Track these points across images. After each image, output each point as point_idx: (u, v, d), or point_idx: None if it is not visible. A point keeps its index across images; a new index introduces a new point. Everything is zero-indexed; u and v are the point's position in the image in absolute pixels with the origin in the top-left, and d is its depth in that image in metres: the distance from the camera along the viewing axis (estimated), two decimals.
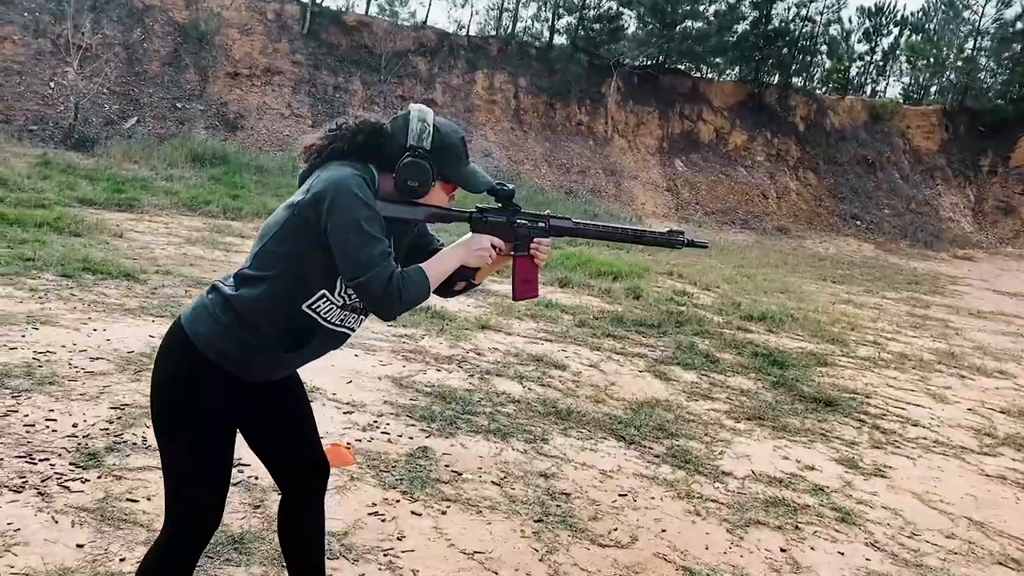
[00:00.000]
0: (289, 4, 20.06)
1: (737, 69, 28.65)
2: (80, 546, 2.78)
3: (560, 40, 24.92)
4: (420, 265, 2.02)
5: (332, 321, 2.07)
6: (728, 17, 26.80)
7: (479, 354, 6.05)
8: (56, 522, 2.90)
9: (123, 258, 7.47)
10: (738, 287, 11.90)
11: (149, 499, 3.16)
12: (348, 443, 4.00)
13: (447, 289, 2.30)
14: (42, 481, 3.18)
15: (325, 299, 2.02)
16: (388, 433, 4.23)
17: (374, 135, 2.03)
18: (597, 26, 25.37)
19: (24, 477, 3.17)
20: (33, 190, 10.03)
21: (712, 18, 26.63)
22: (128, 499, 3.15)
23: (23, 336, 4.82)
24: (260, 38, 19.05)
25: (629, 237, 2.28)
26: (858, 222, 24.91)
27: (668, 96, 25.24)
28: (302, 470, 2.35)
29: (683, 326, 8.09)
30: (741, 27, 27.52)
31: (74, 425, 3.71)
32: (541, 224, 2.20)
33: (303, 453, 2.34)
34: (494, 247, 2.14)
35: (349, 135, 2.02)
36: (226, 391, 2.04)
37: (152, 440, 3.66)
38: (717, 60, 27.89)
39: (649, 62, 26.02)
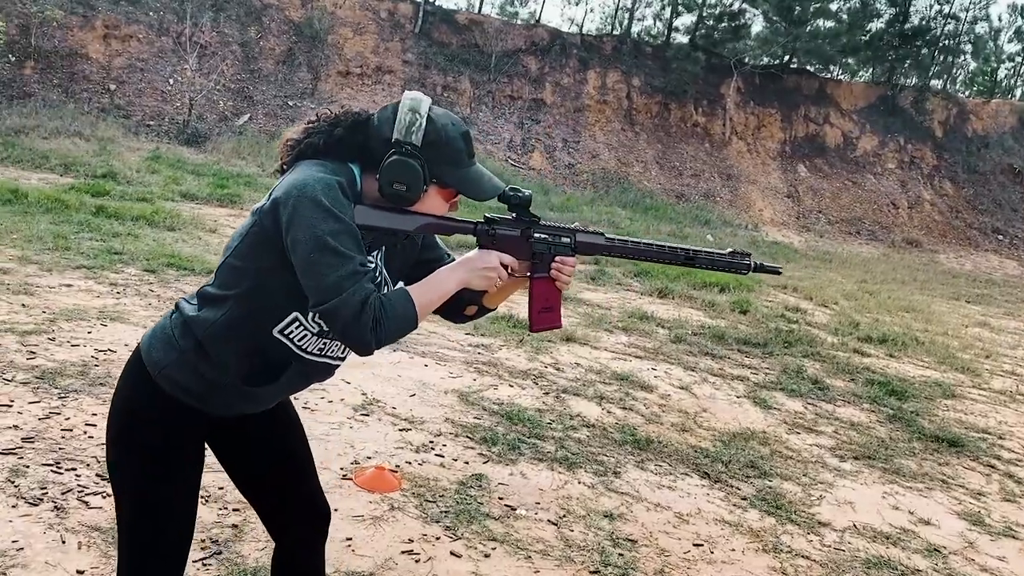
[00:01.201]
0: (402, 3, 20.16)
1: (869, 70, 27.02)
2: (80, 572, 2.55)
3: (678, 39, 24.12)
4: (406, 288, 1.64)
5: (309, 350, 1.71)
6: (861, 14, 25.28)
7: (558, 369, 5.63)
8: (63, 542, 2.69)
9: (211, 254, 7.45)
10: (858, 304, 10.98)
11: None
12: (396, 466, 3.67)
13: (456, 313, 1.92)
14: (62, 494, 2.98)
15: (298, 324, 1.67)
16: (442, 456, 3.88)
17: (356, 128, 1.67)
18: (719, 24, 24.40)
19: (45, 488, 2.99)
20: (140, 184, 10.30)
21: (844, 16, 25.18)
22: None
23: (89, 333, 4.74)
24: (372, 37, 19.22)
25: (679, 259, 1.83)
26: (1000, 236, 22.96)
27: (792, 97, 24.00)
28: (295, 517, 2.00)
29: (792, 346, 7.41)
30: (875, 25, 25.93)
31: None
32: (565, 239, 1.78)
33: (296, 497, 1.99)
34: (505, 267, 1.74)
35: (326, 128, 1.66)
36: (188, 429, 1.72)
37: None
38: (847, 60, 26.37)
39: (773, 61, 24.83)
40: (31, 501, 2.90)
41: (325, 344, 1.72)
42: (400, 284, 1.76)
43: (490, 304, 1.91)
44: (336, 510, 3.18)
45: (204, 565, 2.71)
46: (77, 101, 14.67)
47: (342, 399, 4.38)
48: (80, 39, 15.80)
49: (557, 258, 1.77)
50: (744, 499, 3.96)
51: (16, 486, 2.96)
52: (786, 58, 24.96)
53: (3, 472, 3.03)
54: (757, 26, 25.07)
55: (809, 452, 4.76)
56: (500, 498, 3.54)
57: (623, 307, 8.14)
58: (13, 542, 2.63)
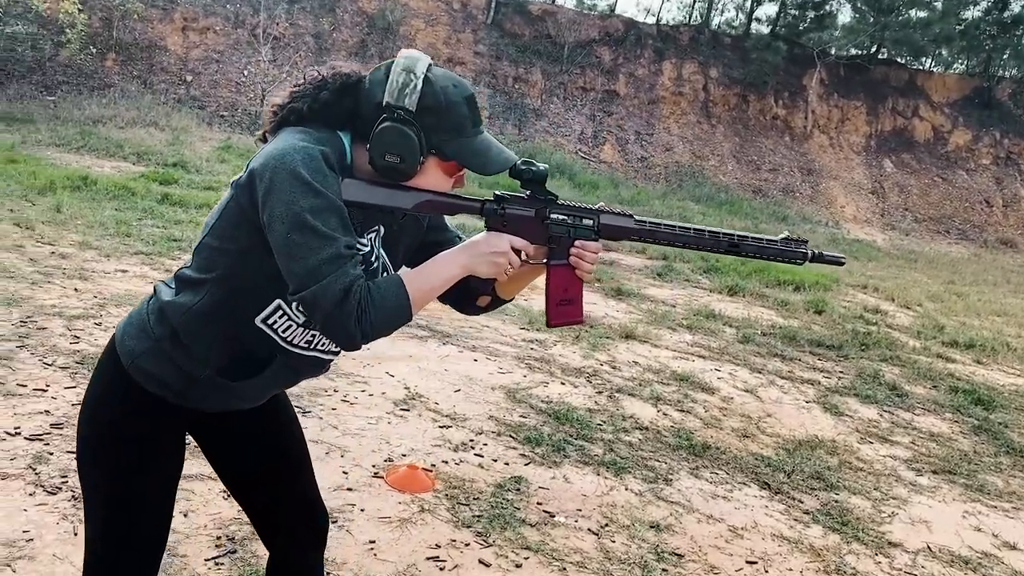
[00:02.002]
0: None
1: (963, 60, 25.68)
2: None
3: (759, 29, 23.35)
4: (400, 274, 1.43)
5: (295, 343, 1.53)
6: (955, 2, 24.00)
7: (614, 368, 5.37)
8: (75, 535, 2.59)
9: None
10: (944, 306, 10.35)
11: (186, 515, 2.79)
12: (432, 466, 3.49)
13: (467, 304, 1.71)
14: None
15: (282, 313, 1.49)
16: (482, 456, 3.68)
17: (345, 91, 1.47)
18: (803, 13, 23.51)
19: (66, 477, 2.90)
20: (209, 173, 10.42)
21: (936, 4, 23.95)
22: None
23: None
24: (444, 28, 19.15)
25: (721, 246, 1.58)
26: None
27: (879, 89, 22.96)
28: (287, 523, 1.83)
29: (869, 349, 6.97)
30: (971, 13, 24.60)
31: None
32: (587, 221, 1.55)
33: (288, 501, 1.81)
34: (517, 252, 1.52)
35: (312, 91, 1.47)
36: (165, 423, 1.56)
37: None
38: (940, 50, 25.10)
39: (859, 52, 23.80)
40: (49, 490, 2.82)
41: (314, 336, 1.53)
42: (404, 269, 1.56)
43: (505, 295, 1.70)
44: (362, 510, 3.04)
45: (217, 564, 2.58)
46: (154, 92, 15.03)
47: (383, 392, 4.24)
48: (159, 31, 16.18)
49: (577, 243, 1.54)
50: (806, 513, 3.65)
51: (37, 473, 2.89)
52: (873, 48, 23.90)
53: (27, 458, 2.96)
54: (843, 15, 24.11)
55: (882, 464, 4.40)
56: (539, 503, 3.33)
57: (689, 304, 7.81)
58: (24, 532, 2.55)
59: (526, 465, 3.66)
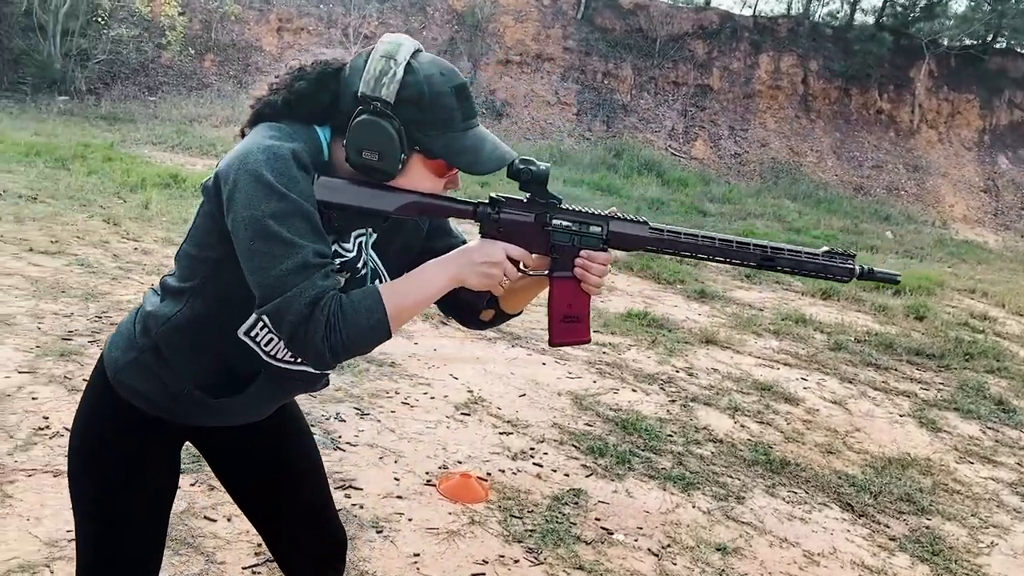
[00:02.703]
0: None
1: None
2: None
3: (862, 19, 22.28)
4: (378, 286, 1.29)
5: (280, 357, 1.41)
6: None
7: (691, 375, 5.12)
8: None
9: None
10: None
11: (229, 519, 2.74)
12: (487, 474, 3.36)
13: (469, 317, 1.57)
14: None
15: (263, 325, 1.37)
16: (541, 465, 3.53)
17: (323, 81, 1.33)
18: (910, 3, 22.31)
19: None
20: None
21: None
22: (207, 516, 2.76)
23: None
24: (534, 24, 19.00)
25: (753, 259, 1.40)
26: None
27: (995, 81, 21.56)
28: (297, 542, 1.72)
29: (974, 359, 6.47)
30: None
31: None
32: (595, 229, 1.38)
33: (296, 519, 1.71)
34: (515, 262, 1.36)
35: (287, 82, 1.34)
36: (153, 440, 1.47)
37: None
38: None
39: (973, 42, 22.42)
40: None
41: None
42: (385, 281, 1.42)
43: (510, 309, 1.55)
44: (410, 520, 2.93)
45: (255, 572, 2.52)
46: (249, 92, 15.44)
47: (446, 396, 4.13)
48: (255, 32, 16.64)
49: (583, 253, 1.38)
50: (893, 540, 3.35)
51: None
52: (989, 37, 22.46)
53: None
54: (956, 3, 22.77)
55: (982, 487, 4.03)
56: (597, 519, 3.15)
57: (778, 308, 7.44)
58: (68, 531, 2.54)
59: (587, 477, 3.49)
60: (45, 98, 13.62)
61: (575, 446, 3.78)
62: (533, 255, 1.39)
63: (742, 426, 4.36)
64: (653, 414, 4.32)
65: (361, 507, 2.96)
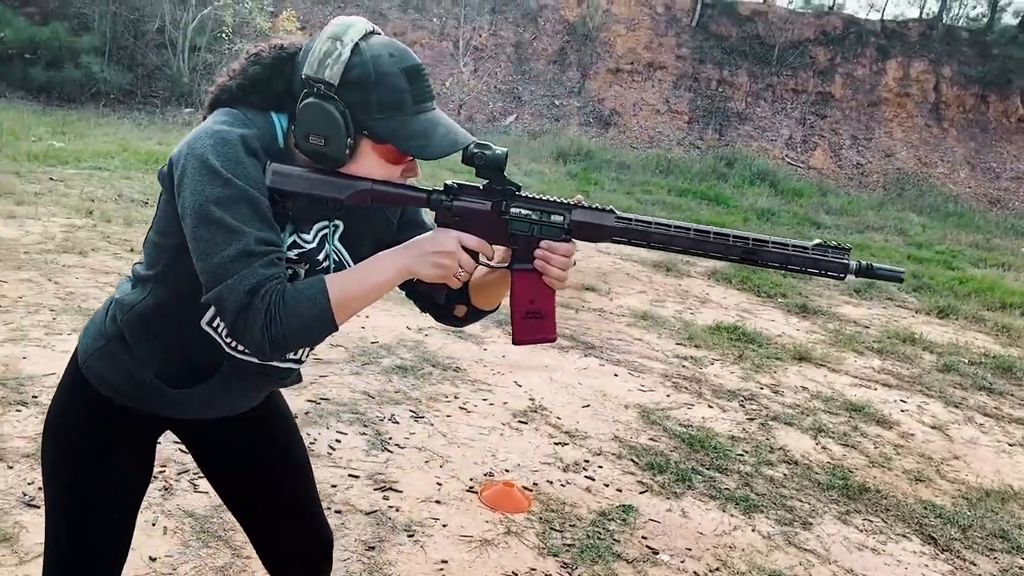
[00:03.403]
0: None
1: None
2: (152, 559, 2.46)
3: (1005, 21, 20.81)
4: (325, 276, 1.23)
5: (240, 349, 1.38)
6: None
7: (776, 392, 4.84)
8: (152, 525, 2.63)
9: None
10: None
11: None
12: (533, 484, 3.26)
13: (444, 313, 1.49)
14: (178, 474, 2.95)
15: None
16: (592, 479, 3.39)
17: (278, 66, 1.29)
18: None
19: (164, 467, 2.97)
20: None
21: None
22: None
23: None
24: (646, 32, 18.74)
25: (734, 252, 1.26)
26: None
27: None
28: (281, 542, 1.69)
29: None
30: None
31: None
32: (556, 218, 1.28)
33: (284, 519, 1.67)
34: (473, 253, 1.28)
35: (243, 67, 1.30)
36: (120, 430, 1.46)
37: (305, 443, 3.31)
38: None
39: None
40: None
41: None
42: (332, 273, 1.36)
43: (483, 304, 1.46)
44: (444, 526, 2.87)
45: None
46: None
47: (505, 403, 4.06)
48: None
49: (543, 243, 1.27)
50: None
51: None
52: None
53: None
54: None
55: None
56: (644, 537, 2.99)
57: (886, 326, 6.96)
58: None
59: (641, 493, 3.32)
60: (172, 110, 14.48)
61: (633, 461, 3.62)
62: (495, 246, 1.30)
63: (823, 448, 4.08)
64: (726, 432, 4.10)
65: (397, 510, 2.92)
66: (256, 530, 1.70)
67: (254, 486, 1.64)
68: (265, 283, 1.16)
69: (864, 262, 1.25)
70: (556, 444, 3.68)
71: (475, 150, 1.26)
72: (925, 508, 3.55)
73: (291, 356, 1.42)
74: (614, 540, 2.93)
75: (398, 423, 3.62)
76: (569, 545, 2.86)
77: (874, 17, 20.80)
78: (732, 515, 3.25)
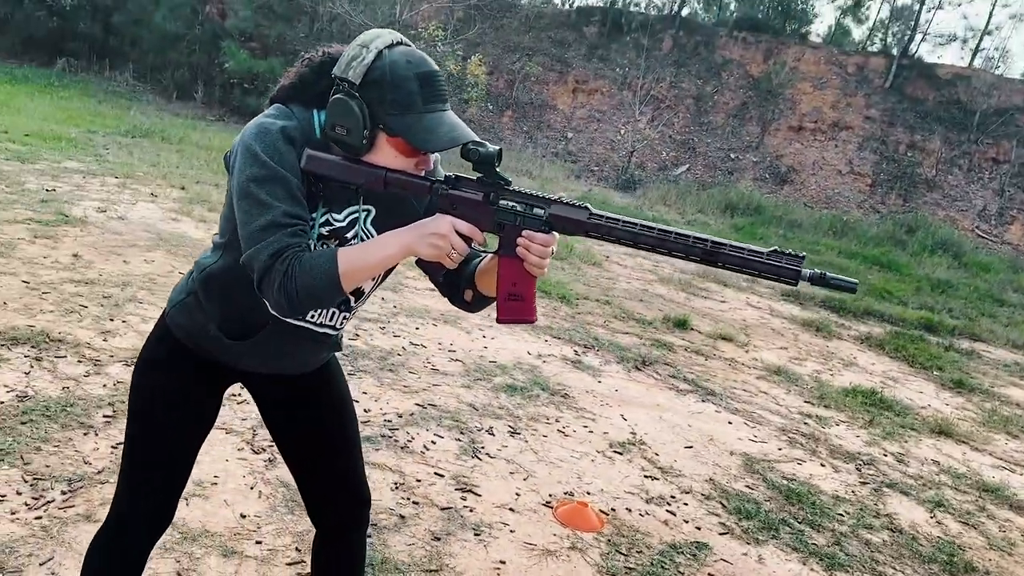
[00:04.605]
0: (875, 57, 18.73)
1: None
2: (243, 516, 2.76)
3: None
4: (336, 247, 1.46)
5: None
6: None
7: (900, 461, 4.60)
8: (251, 488, 2.94)
9: (587, 285, 7.70)
10: None
11: None
12: (611, 509, 3.32)
13: (456, 295, 1.67)
14: None
15: None
16: (673, 514, 3.41)
17: (323, 69, 1.53)
18: None
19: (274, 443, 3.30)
20: None
21: None
22: None
23: (417, 328, 5.21)
24: (834, 91, 18.16)
25: (694, 252, 1.37)
26: None
27: None
28: (327, 498, 1.91)
29: None
30: None
31: (366, 411, 3.79)
32: (538, 211, 1.44)
33: (328, 476, 1.89)
34: (467, 238, 1.45)
35: (298, 68, 1.56)
36: (188, 371, 1.73)
37: (403, 440, 3.55)
38: None
39: None
40: (256, 450, 3.23)
41: None
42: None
43: (487, 290, 1.62)
44: (512, 531, 3.01)
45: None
46: (536, 145, 16.51)
47: (605, 432, 4.14)
48: (552, 92, 17.77)
49: (524, 232, 1.43)
50: None
51: (254, 435, 3.33)
52: None
53: (252, 420, 3.42)
54: None
55: None
56: (710, 575, 2.98)
57: None
58: (215, 477, 2.95)
59: (720, 535, 3.30)
60: None
61: (722, 503, 3.59)
62: (484, 233, 1.47)
63: (938, 522, 3.84)
64: (831, 490, 3.96)
65: (471, 511, 3.08)
66: (303, 482, 1.92)
67: (304, 444, 1.87)
68: (287, 249, 1.40)
69: (818, 271, 1.31)
70: (646, 476, 3.71)
71: (471, 147, 1.44)
72: None
73: (324, 322, 1.64)
74: (679, 572, 2.94)
75: (494, 435, 3.80)
76: (630, 568, 2.90)
77: None
78: (812, 569, 3.16)
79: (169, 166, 9.48)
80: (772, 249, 1.34)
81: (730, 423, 4.69)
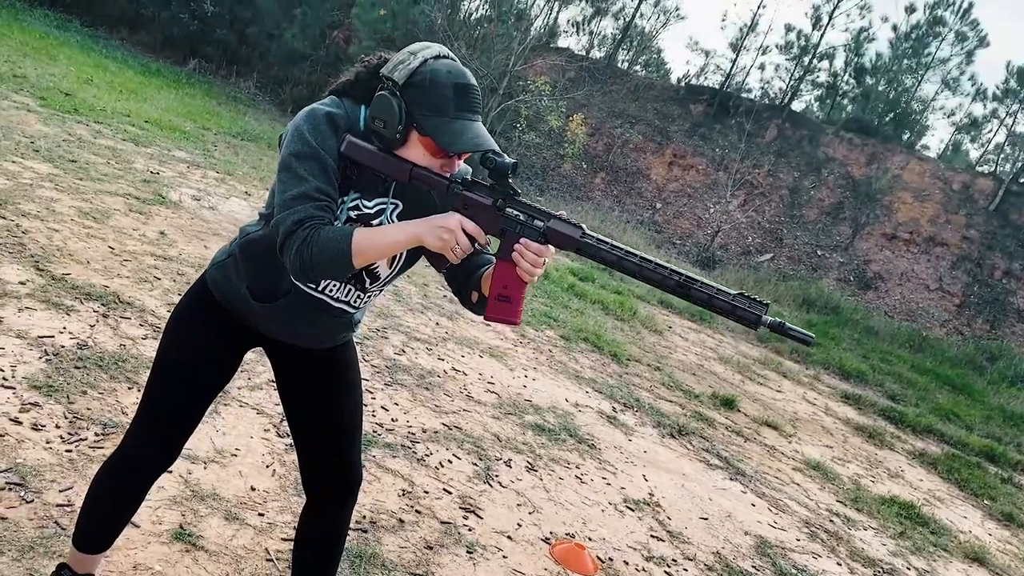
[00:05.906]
0: (983, 178, 18.28)
1: None
2: (253, 488, 2.90)
3: None
4: (353, 227, 1.62)
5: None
6: None
7: (910, 568, 4.44)
8: (266, 466, 3.08)
9: (650, 360, 7.72)
10: None
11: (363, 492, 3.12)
12: (608, 559, 3.34)
13: (465, 295, 1.79)
14: None
15: None
16: (671, 574, 3.40)
17: (376, 69, 1.71)
18: None
19: None
20: (628, 282, 11.11)
21: None
22: None
23: (463, 356, 5.34)
24: (935, 206, 17.77)
25: (668, 284, 1.48)
26: None
27: None
28: (321, 470, 2.03)
29: None
30: None
31: (393, 419, 3.92)
32: (538, 223, 1.57)
33: (326, 449, 2.02)
34: (471, 237, 1.58)
35: (356, 68, 1.75)
36: (217, 323, 1.90)
37: (421, 453, 3.65)
38: None
39: None
40: (280, 433, 3.38)
41: (327, 281, 1.76)
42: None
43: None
44: (505, 557, 3.08)
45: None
46: (624, 210, 16.64)
47: (623, 488, 4.15)
48: (648, 162, 17.95)
49: (521, 240, 1.56)
50: None
51: (282, 419, 3.49)
52: None
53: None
54: None
55: None
56: None
57: None
58: (236, 449, 3.11)
59: None
60: None
61: None
62: (488, 235, 1.60)
63: None
64: None
65: (469, 530, 3.15)
66: (302, 450, 2.05)
67: (309, 414, 2.00)
68: (311, 219, 1.55)
69: (778, 320, 1.39)
70: (653, 536, 3.71)
71: (490, 155, 1.58)
72: None
73: (340, 297, 1.79)
74: None
75: (511, 467, 3.87)
76: None
77: None
78: None
79: (269, 171, 9.98)
80: (739, 292, 1.43)
81: (753, 505, 4.64)
